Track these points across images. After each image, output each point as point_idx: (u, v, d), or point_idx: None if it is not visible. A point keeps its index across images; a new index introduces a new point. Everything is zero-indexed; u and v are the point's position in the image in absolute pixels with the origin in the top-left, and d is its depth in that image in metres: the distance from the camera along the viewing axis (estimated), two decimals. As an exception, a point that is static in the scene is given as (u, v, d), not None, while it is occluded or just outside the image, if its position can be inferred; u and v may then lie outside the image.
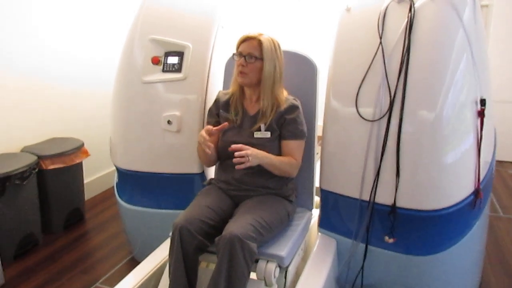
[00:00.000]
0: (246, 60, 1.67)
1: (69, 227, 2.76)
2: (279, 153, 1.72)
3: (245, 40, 1.69)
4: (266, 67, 1.67)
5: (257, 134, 1.71)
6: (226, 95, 1.81)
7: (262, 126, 1.70)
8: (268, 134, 1.70)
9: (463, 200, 1.67)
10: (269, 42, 1.68)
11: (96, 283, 2.20)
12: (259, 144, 1.66)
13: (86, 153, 2.78)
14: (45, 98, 2.77)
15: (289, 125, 1.70)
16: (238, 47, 1.71)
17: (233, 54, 1.73)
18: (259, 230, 1.53)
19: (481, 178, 1.72)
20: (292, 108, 1.71)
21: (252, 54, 1.66)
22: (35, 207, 2.52)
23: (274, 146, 1.71)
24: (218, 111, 1.81)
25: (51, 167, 2.55)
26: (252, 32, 1.70)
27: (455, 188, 1.67)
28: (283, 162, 1.68)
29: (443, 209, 1.64)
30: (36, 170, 2.44)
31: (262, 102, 1.70)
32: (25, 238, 2.44)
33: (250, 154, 1.55)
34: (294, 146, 1.71)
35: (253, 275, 1.56)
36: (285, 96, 1.75)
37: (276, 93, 1.71)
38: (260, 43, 1.66)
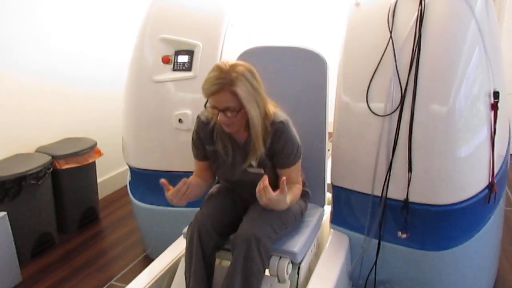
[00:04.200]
0: (226, 114, 1.43)
1: (84, 226, 2.80)
2: (276, 177, 1.58)
3: (215, 93, 1.39)
4: (252, 112, 1.43)
5: (250, 169, 1.58)
6: (207, 124, 1.58)
7: (254, 162, 1.56)
8: (261, 171, 1.57)
9: (477, 194, 1.65)
10: (244, 84, 1.39)
11: (111, 281, 2.23)
12: (254, 179, 1.50)
13: (99, 153, 2.81)
14: (58, 99, 2.80)
15: (279, 155, 1.55)
16: (207, 96, 1.43)
17: (205, 105, 1.47)
18: (274, 228, 1.53)
19: (496, 171, 1.70)
20: (277, 133, 1.51)
21: (231, 108, 1.42)
22: (50, 207, 2.55)
23: (270, 175, 1.53)
24: (203, 143, 1.63)
25: (65, 166, 2.58)
26: (218, 74, 1.39)
27: (469, 182, 1.65)
28: (295, 197, 1.58)
29: (457, 203, 1.62)
30: (51, 170, 2.48)
31: (253, 142, 1.51)
32: (41, 237, 2.48)
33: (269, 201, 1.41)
34: (290, 173, 1.57)
35: (265, 272, 1.56)
36: (272, 117, 1.53)
37: (264, 123, 1.51)
38: (234, 93, 1.39)
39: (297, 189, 1.61)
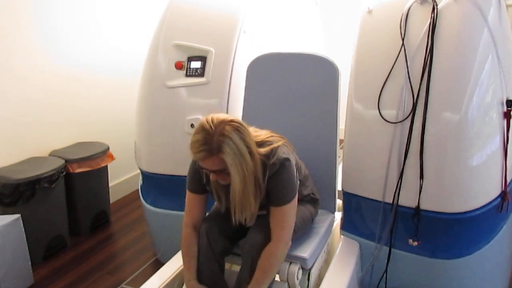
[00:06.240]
0: (217, 174, 1.41)
1: (95, 230, 2.82)
2: None
3: (203, 159, 1.35)
4: (235, 177, 1.36)
5: None
6: (203, 170, 1.46)
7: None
8: (264, 212, 1.54)
9: (489, 203, 1.64)
10: (230, 149, 1.32)
11: (122, 284, 2.25)
12: (258, 220, 1.53)
13: (112, 157, 2.84)
14: (71, 104, 2.84)
15: (271, 192, 1.48)
16: (195, 159, 1.40)
17: (197, 164, 1.43)
18: None
19: (508, 180, 1.69)
20: (275, 173, 1.45)
21: (221, 171, 1.38)
22: (63, 210, 2.59)
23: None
24: (203, 181, 1.55)
25: (78, 170, 2.61)
26: (204, 138, 1.32)
27: (481, 190, 1.64)
28: (272, 272, 1.48)
29: (469, 211, 1.61)
30: (64, 173, 2.51)
31: (239, 203, 1.45)
32: (53, 240, 2.51)
33: None
34: (276, 214, 1.48)
35: (276, 277, 1.56)
36: (269, 159, 1.45)
37: (255, 173, 1.42)
38: (221, 160, 1.33)
39: (272, 261, 1.46)
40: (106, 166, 2.85)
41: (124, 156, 3.04)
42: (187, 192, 1.60)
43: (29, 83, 2.56)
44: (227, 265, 1.72)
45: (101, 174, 2.83)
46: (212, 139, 1.31)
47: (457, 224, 1.63)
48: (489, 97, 1.62)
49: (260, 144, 1.47)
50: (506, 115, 1.65)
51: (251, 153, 1.37)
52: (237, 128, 1.35)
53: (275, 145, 1.48)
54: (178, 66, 2.07)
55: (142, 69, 2.18)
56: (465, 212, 1.61)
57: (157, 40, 2.12)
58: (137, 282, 2.20)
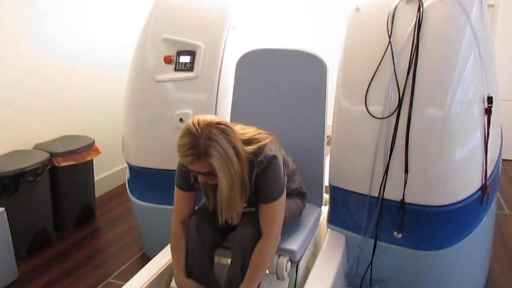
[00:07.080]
0: (205, 176, 1.41)
1: (81, 224, 2.80)
2: None
3: (190, 163, 1.36)
4: (222, 179, 1.37)
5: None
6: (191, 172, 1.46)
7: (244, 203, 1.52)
8: (252, 209, 1.56)
9: (470, 196, 1.70)
10: (218, 152, 1.32)
11: (108, 279, 2.24)
12: (248, 214, 1.54)
13: (97, 151, 2.82)
14: (56, 97, 2.81)
15: (260, 190, 1.50)
16: (183, 160, 1.37)
17: (185, 166, 1.41)
18: None
19: (488, 174, 1.75)
20: (263, 171, 1.46)
21: (208, 173, 1.39)
22: (47, 204, 2.56)
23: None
24: (191, 180, 1.56)
25: (63, 164, 2.58)
26: (190, 141, 1.32)
27: (463, 184, 1.70)
28: (265, 267, 1.50)
29: (451, 204, 1.67)
30: (49, 167, 2.48)
31: (226, 204, 1.46)
32: (38, 234, 2.48)
33: None
34: (265, 211, 1.50)
35: (265, 269, 1.59)
36: (256, 156, 1.46)
37: (242, 174, 1.43)
38: (209, 163, 1.34)
39: (263, 259, 1.48)
40: (92, 160, 2.83)
41: (109, 150, 3.02)
42: (176, 189, 1.61)
43: (13, 75, 2.51)
44: (215, 258, 1.73)
45: (87, 168, 2.81)
46: (199, 142, 1.32)
47: (440, 216, 1.68)
48: (471, 94, 1.68)
49: (247, 142, 1.49)
50: (487, 111, 1.71)
51: (238, 154, 1.38)
52: (224, 130, 1.36)
53: (262, 142, 1.50)
54: (167, 60, 2.07)
55: (131, 62, 2.17)
56: (447, 205, 1.67)
57: (145, 33, 2.12)
58: (124, 277, 2.20)
